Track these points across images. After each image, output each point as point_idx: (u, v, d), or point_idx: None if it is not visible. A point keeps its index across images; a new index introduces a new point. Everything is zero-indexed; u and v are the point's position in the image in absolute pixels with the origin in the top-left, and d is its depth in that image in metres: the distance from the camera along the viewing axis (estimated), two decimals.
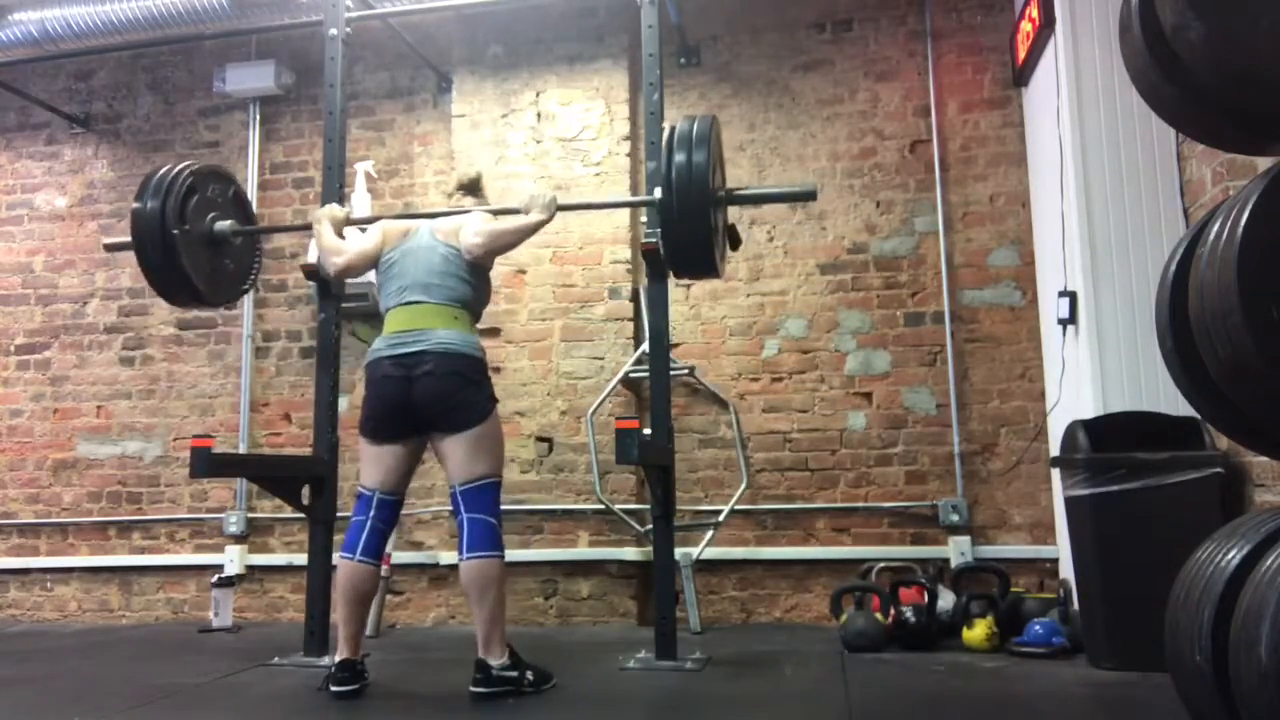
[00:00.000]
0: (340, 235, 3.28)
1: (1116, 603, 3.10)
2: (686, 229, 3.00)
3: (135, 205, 3.37)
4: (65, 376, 5.29)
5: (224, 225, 3.54)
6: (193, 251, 3.40)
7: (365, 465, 3.08)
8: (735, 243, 3.33)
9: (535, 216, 3.11)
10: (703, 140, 2.99)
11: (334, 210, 3.35)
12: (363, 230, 3.40)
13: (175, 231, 3.33)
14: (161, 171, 3.43)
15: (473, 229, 3.09)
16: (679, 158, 2.97)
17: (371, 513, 3.01)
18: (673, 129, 3.07)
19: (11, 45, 4.80)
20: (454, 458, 2.96)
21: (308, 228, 3.59)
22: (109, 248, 3.73)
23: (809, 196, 3.46)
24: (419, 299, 3.03)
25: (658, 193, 3.08)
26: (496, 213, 3.30)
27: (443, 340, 2.96)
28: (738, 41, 4.84)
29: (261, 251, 3.91)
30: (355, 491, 3.12)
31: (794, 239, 4.65)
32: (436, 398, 2.91)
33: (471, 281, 3.09)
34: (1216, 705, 1.67)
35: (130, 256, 5.28)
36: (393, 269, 3.11)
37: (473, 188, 3.51)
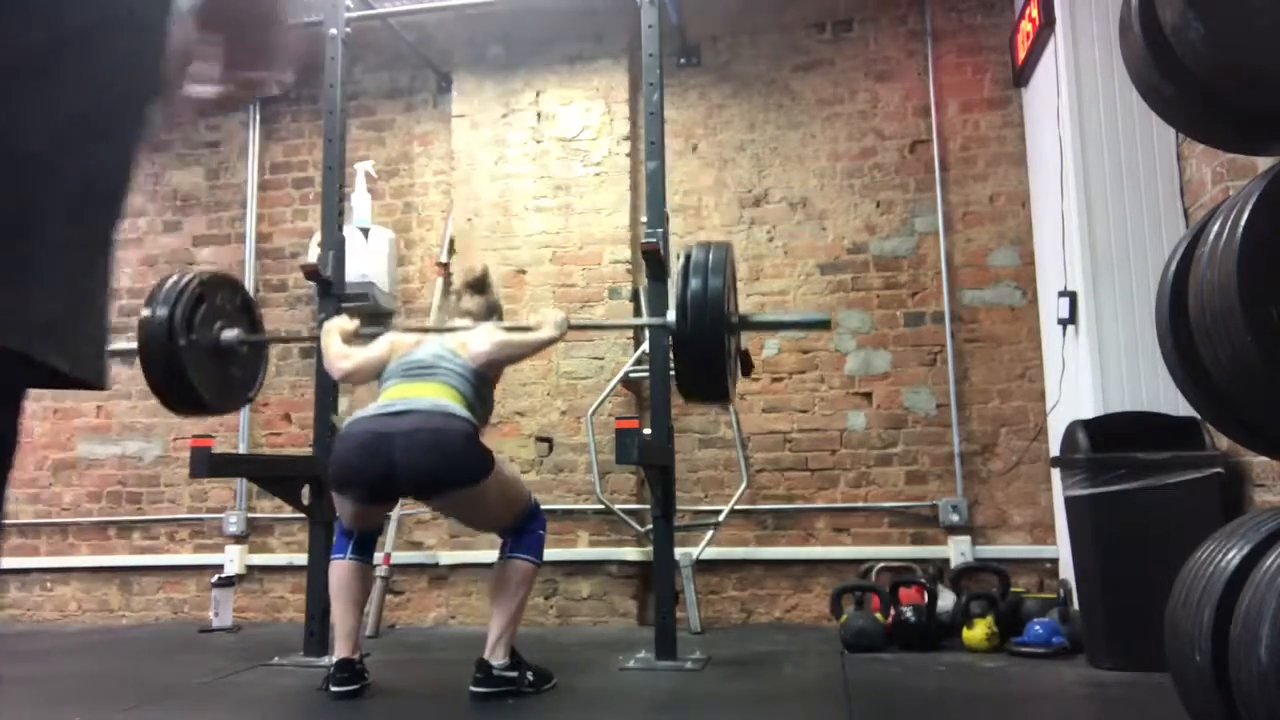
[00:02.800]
0: (348, 345, 3.15)
1: (1116, 603, 3.10)
2: (700, 354, 2.92)
3: (143, 313, 3.31)
4: None
5: (230, 335, 3.46)
6: (199, 362, 3.33)
7: (339, 508, 3.00)
8: (748, 369, 3.30)
9: (546, 333, 3.05)
10: (719, 268, 2.95)
11: (343, 322, 3.24)
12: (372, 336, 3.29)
13: (182, 343, 3.26)
14: (171, 281, 3.39)
15: (482, 338, 3.01)
16: (694, 283, 2.90)
17: (354, 537, 3.02)
18: (689, 255, 3.01)
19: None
20: (477, 514, 2.92)
21: (315, 339, 3.52)
22: (111, 355, 3.70)
23: (824, 325, 3.48)
24: (419, 378, 2.91)
25: (671, 315, 3.06)
26: (509, 329, 3.18)
27: (440, 404, 2.81)
28: (738, 41, 4.84)
29: (267, 359, 3.84)
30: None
31: (794, 239, 4.65)
32: (431, 459, 2.72)
33: (477, 388, 2.95)
34: (1216, 705, 1.67)
35: (130, 256, 5.35)
36: (395, 370, 2.99)
37: (479, 285, 3.24)
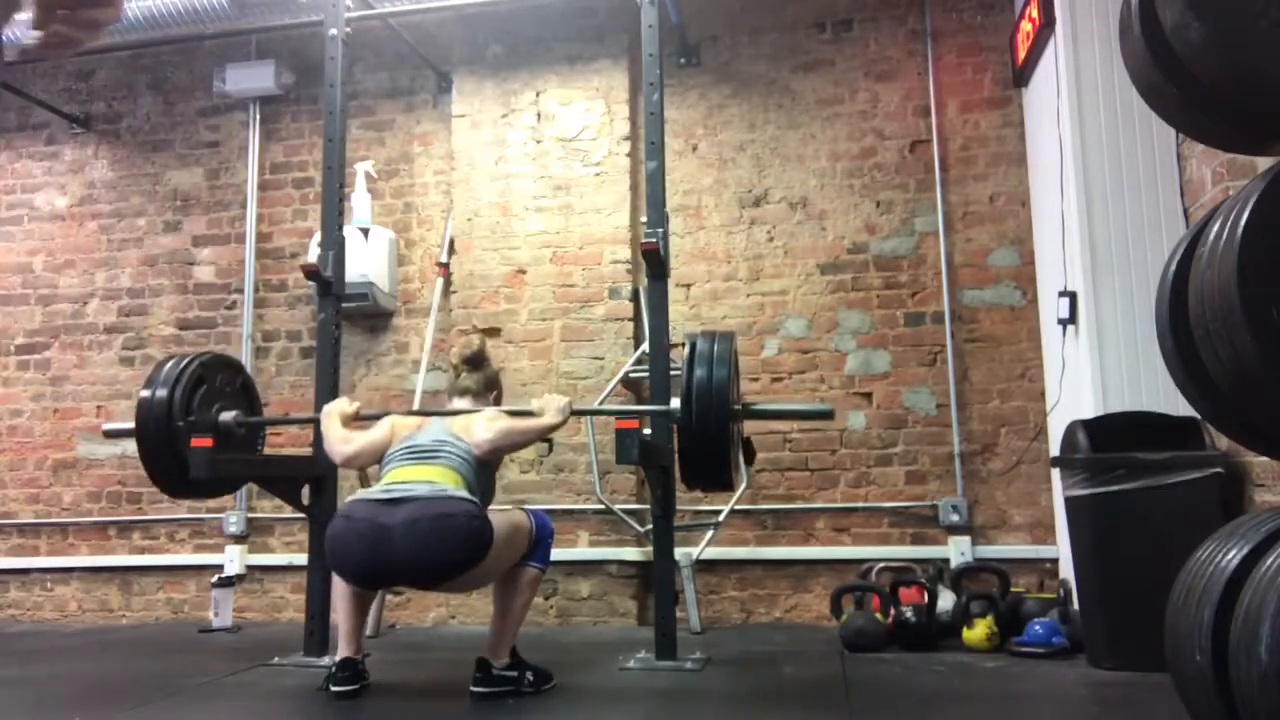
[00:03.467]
0: (348, 428, 3.13)
1: (1116, 603, 3.10)
2: (705, 443, 2.95)
3: (143, 394, 3.34)
4: (65, 376, 5.29)
5: (228, 417, 3.46)
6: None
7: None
8: (750, 456, 3.30)
9: (549, 420, 3.03)
10: (723, 358, 2.96)
11: (342, 405, 3.21)
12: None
13: (180, 424, 3.27)
14: (171, 363, 3.41)
15: (485, 425, 2.98)
16: (699, 373, 2.93)
17: None
18: (694, 345, 3.01)
19: (12, 45, 4.79)
20: (491, 574, 2.87)
21: (314, 420, 3.50)
22: (108, 434, 3.71)
23: (827, 415, 3.49)
24: (420, 461, 2.88)
25: (675, 403, 3.05)
26: (511, 413, 3.15)
27: (440, 488, 2.75)
28: (738, 41, 4.84)
29: (265, 441, 3.83)
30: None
31: (794, 239, 4.65)
32: (432, 549, 2.63)
33: (478, 473, 2.92)
34: (1216, 705, 1.67)
35: (130, 256, 5.35)
36: (397, 453, 2.96)
37: (476, 361, 3.21)
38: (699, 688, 3.03)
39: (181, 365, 3.40)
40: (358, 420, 3.19)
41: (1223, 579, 1.71)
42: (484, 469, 2.98)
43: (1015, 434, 4.35)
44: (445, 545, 2.65)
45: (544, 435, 3.13)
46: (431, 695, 3.07)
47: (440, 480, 2.79)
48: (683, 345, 3.06)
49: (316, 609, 3.52)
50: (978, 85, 4.60)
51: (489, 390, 3.20)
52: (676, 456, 3.14)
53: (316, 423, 3.41)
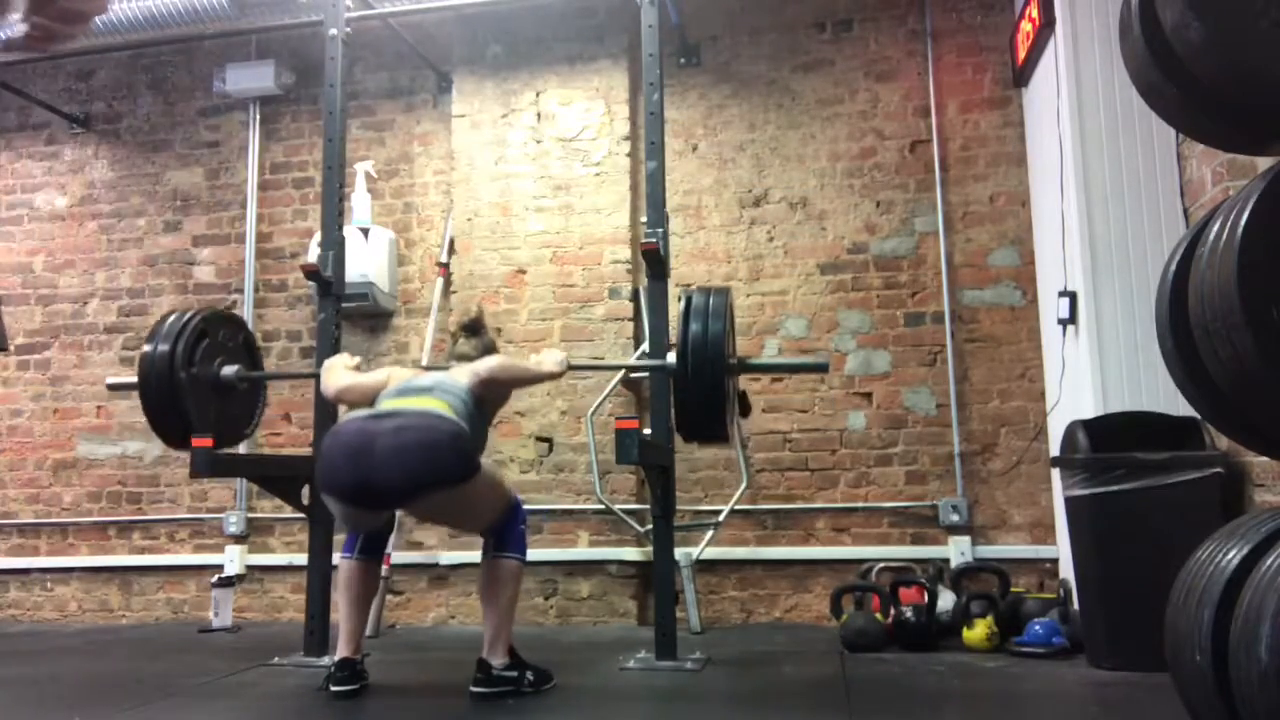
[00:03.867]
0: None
1: (1116, 603, 3.10)
2: (700, 396, 2.96)
3: (145, 348, 3.35)
4: (65, 376, 5.29)
5: (230, 371, 3.49)
6: (198, 399, 3.36)
7: (330, 509, 2.91)
8: (745, 410, 3.32)
9: (548, 367, 3.09)
10: (719, 312, 2.98)
11: (344, 359, 3.28)
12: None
13: (182, 374, 3.30)
14: (174, 317, 3.42)
15: (483, 363, 3.03)
16: (695, 327, 2.94)
17: (360, 537, 3.02)
18: (689, 299, 3.03)
19: (12, 45, 4.80)
20: (462, 516, 2.91)
21: (315, 375, 3.53)
22: (112, 388, 3.73)
23: (822, 369, 3.52)
24: (413, 395, 2.87)
25: (671, 357, 3.06)
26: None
27: (430, 410, 2.75)
28: (738, 41, 4.84)
29: (265, 399, 3.85)
30: None
31: (794, 239, 4.65)
32: (415, 454, 2.61)
33: (472, 411, 2.88)
34: (1216, 705, 1.67)
35: (130, 256, 5.35)
36: (390, 391, 2.95)
37: (474, 328, 3.23)
38: (699, 688, 3.03)
39: (184, 319, 3.40)
40: (358, 370, 3.25)
41: (1223, 579, 1.71)
42: (479, 410, 2.95)
43: (1015, 434, 4.35)
44: (429, 451, 2.61)
45: (540, 380, 3.19)
46: (431, 695, 3.07)
47: (432, 407, 2.79)
48: (679, 299, 3.08)
49: (316, 609, 3.52)
50: (978, 85, 4.60)
51: (486, 356, 3.20)
52: (672, 411, 3.15)
53: (317, 377, 3.45)
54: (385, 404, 2.87)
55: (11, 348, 4.99)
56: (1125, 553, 3.08)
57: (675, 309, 3.19)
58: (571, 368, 3.20)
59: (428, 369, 3.27)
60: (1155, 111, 1.93)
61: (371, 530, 3.03)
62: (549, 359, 3.12)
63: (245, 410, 3.68)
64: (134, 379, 3.41)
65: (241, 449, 4.94)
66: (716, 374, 2.94)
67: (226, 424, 3.56)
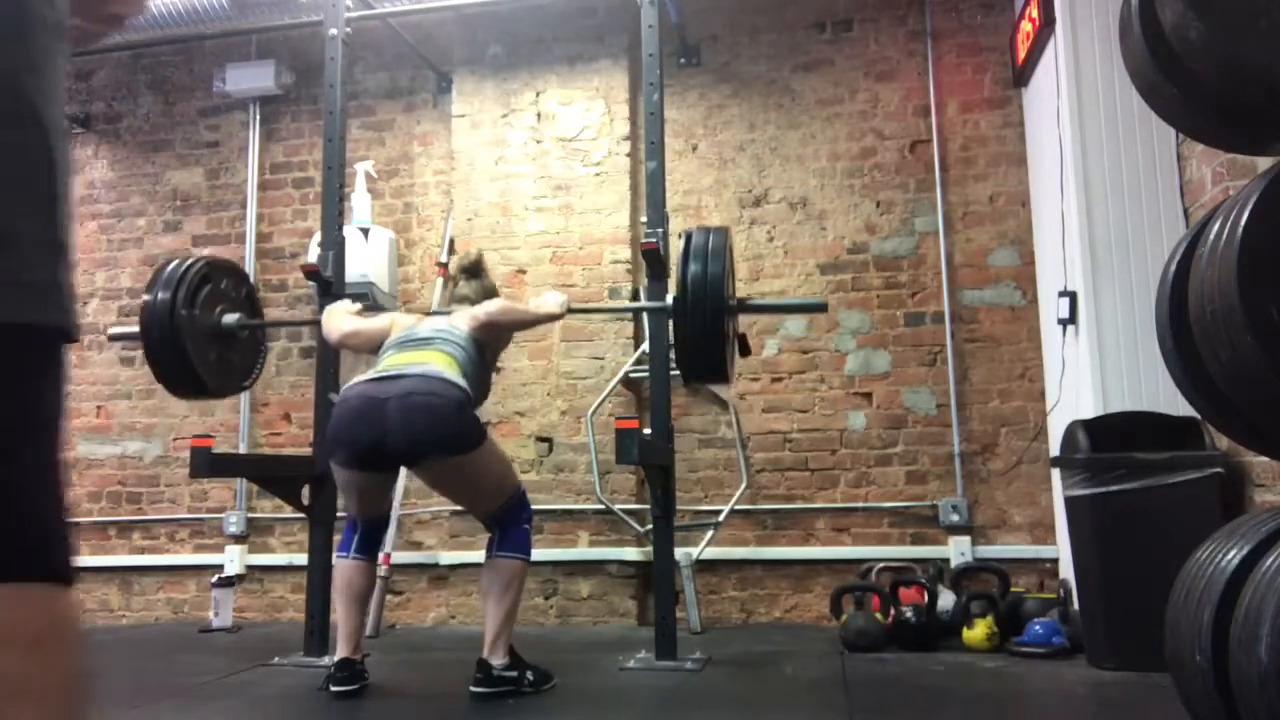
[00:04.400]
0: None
1: (1116, 603, 3.10)
2: (700, 336, 2.96)
3: (146, 297, 3.35)
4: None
5: (231, 319, 3.49)
6: (198, 342, 3.36)
7: (341, 492, 3.04)
8: (745, 350, 3.33)
9: (547, 308, 3.10)
10: (719, 252, 2.98)
11: (346, 304, 3.32)
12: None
13: (183, 312, 3.29)
14: (175, 263, 3.42)
15: (482, 307, 3.04)
16: (694, 267, 2.94)
17: (360, 528, 3.03)
18: (689, 237, 3.04)
19: None
20: (467, 488, 2.93)
21: (316, 322, 3.55)
22: (113, 338, 3.73)
23: (820, 308, 3.52)
24: (416, 347, 2.91)
25: (670, 297, 3.07)
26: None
27: (435, 369, 2.80)
28: (738, 41, 4.84)
29: (266, 349, 3.86)
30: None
31: (794, 239, 4.65)
32: (423, 421, 2.71)
33: (474, 359, 2.94)
34: (1216, 705, 1.67)
35: (130, 256, 5.35)
36: (394, 342, 2.99)
37: (474, 270, 3.25)
38: (699, 688, 3.03)
39: (185, 265, 3.40)
40: (360, 316, 3.28)
41: (1223, 579, 1.71)
42: (480, 357, 2.98)
43: (1015, 434, 4.35)
44: (437, 419, 2.71)
45: (541, 321, 3.20)
46: (431, 695, 3.07)
47: (435, 363, 2.82)
48: (680, 236, 3.09)
49: (316, 609, 3.52)
50: (978, 85, 4.60)
51: (485, 299, 3.20)
52: (672, 352, 3.16)
53: (317, 323, 3.48)
54: (387, 361, 2.90)
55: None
56: (1125, 553, 3.08)
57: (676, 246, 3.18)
58: (571, 310, 3.21)
59: (430, 314, 3.29)
60: (1155, 111, 1.93)
61: (376, 517, 3.03)
62: (549, 300, 3.13)
63: (245, 362, 3.67)
64: (136, 329, 3.39)
65: (241, 449, 4.95)
66: (716, 312, 2.95)
67: (227, 372, 3.56)
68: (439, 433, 2.73)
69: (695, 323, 2.94)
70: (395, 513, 4.47)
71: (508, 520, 2.95)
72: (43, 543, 0.76)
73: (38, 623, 0.71)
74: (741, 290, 4.63)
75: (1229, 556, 1.74)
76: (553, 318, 3.16)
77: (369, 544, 3.04)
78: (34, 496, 0.76)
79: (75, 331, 0.82)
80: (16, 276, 0.73)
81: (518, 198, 4.77)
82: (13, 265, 0.73)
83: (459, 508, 3.05)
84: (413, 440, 2.73)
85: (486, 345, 3.03)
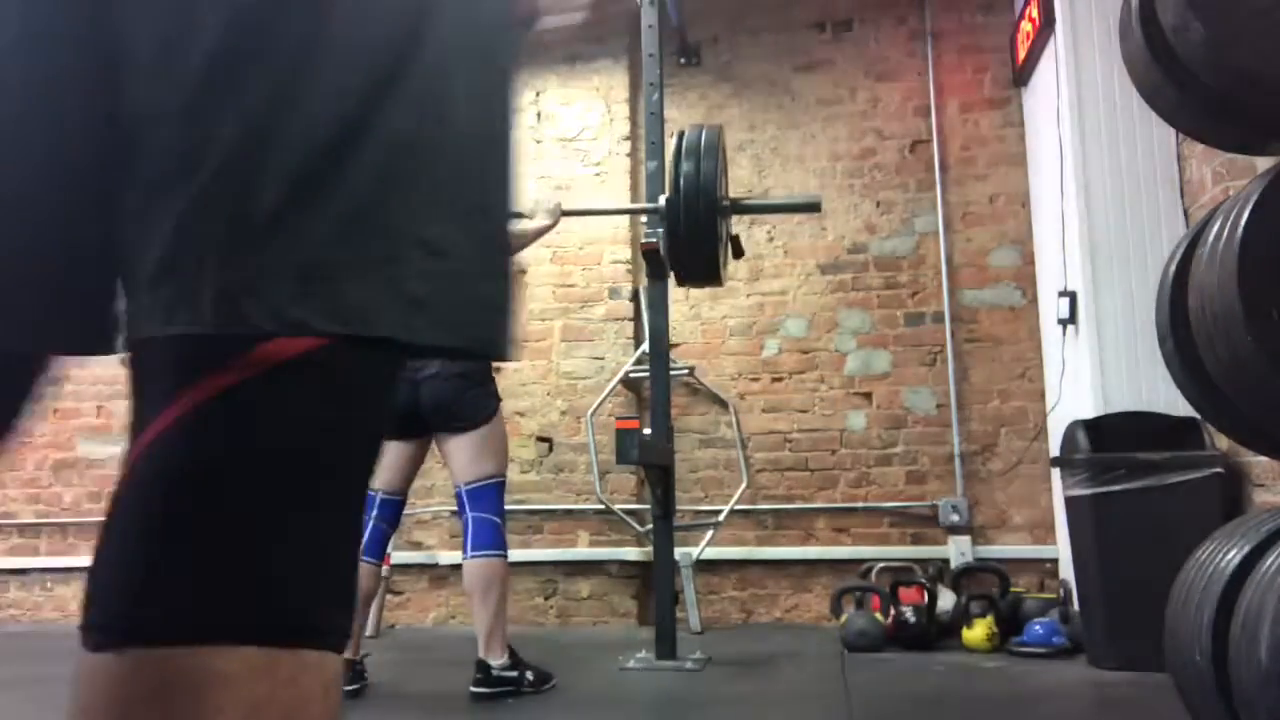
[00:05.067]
0: None
1: (1116, 603, 3.10)
2: (692, 236, 2.97)
3: None
4: (65, 376, 5.29)
5: None
6: None
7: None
8: (738, 252, 3.32)
9: (540, 222, 3.12)
10: (711, 149, 2.98)
11: None
12: None
13: None
14: None
15: None
16: (687, 166, 2.95)
17: (374, 512, 3.02)
18: (681, 136, 3.05)
19: None
20: (459, 458, 2.97)
21: None
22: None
23: (814, 208, 3.45)
24: None
25: (663, 199, 3.07)
26: None
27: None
28: (738, 41, 4.84)
29: None
30: None
31: (794, 239, 4.65)
32: (442, 400, 2.90)
33: None
34: (1216, 705, 1.67)
35: None
36: None
37: None
38: (699, 688, 3.03)
39: None
40: None
41: (1223, 579, 1.71)
42: None
43: (1015, 434, 4.35)
44: (456, 389, 2.89)
45: (536, 238, 3.22)
46: (431, 695, 3.07)
47: None
48: (672, 135, 3.09)
49: None
50: (978, 85, 4.60)
51: None
52: (665, 254, 3.16)
53: None
54: None
55: None
56: (1125, 553, 3.08)
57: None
58: (565, 213, 3.23)
59: None
60: (1155, 111, 1.93)
61: (397, 481, 3.06)
62: (541, 209, 3.16)
63: None
64: None
65: None
66: (709, 211, 2.94)
67: None
68: (459, 407, 2.89)
69: (688, 223, 2.93)
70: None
71: (476, 503, 2.93)
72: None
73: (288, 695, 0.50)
74: (741, 290, 4.64)
75: (1229, 557, 1.74)
76: (547, 229, 3.20)
77: (376, 545, 3.03)
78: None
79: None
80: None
81: (523, 203, 4.76)
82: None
83: (459, 508, 3.04)
84: (439, 416, 2.90)
85: None
